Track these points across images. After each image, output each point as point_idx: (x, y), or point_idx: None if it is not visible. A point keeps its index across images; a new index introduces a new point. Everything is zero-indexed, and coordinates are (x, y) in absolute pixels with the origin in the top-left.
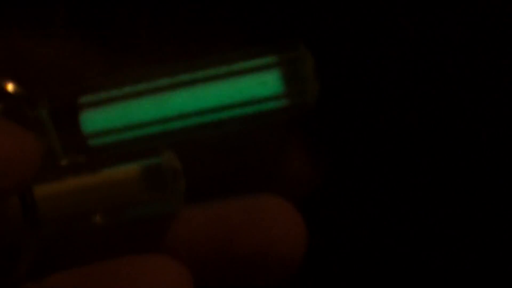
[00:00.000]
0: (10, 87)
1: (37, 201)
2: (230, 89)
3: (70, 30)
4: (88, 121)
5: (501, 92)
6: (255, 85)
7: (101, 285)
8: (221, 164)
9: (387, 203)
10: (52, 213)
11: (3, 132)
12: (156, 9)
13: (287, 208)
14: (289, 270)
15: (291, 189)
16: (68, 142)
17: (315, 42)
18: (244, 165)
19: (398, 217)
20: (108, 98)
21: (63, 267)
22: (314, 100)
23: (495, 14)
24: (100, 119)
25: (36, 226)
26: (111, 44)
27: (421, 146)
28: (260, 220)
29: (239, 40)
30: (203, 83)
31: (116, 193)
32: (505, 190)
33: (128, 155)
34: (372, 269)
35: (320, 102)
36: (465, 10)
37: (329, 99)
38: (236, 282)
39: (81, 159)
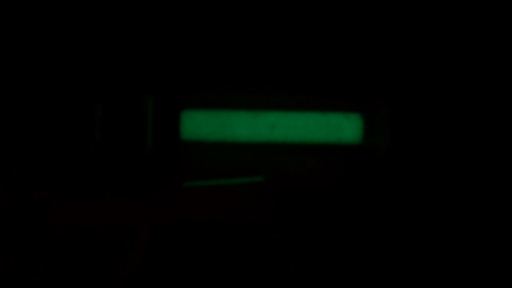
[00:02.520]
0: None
1: None
2: (319, 122)
3: None
4: (187, 118)
5: None
6: (340, 124)
7: None
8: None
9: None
10: None
11: None
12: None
13: None
14: None
15: None
16: (163, 135)
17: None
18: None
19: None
20: (211, 102)
21: None
22: (385, 148)
23: None
24: (198, 118)
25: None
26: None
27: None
28: None
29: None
30: (299, 112)
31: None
32: None
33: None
34: None
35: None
36: None
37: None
38: None
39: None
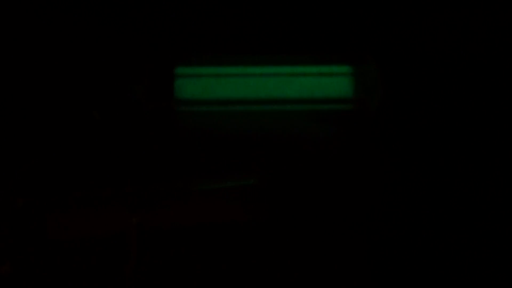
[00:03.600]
0: None
1: None
2: (307, 86)
3: None
4: (181, 88)
5: None
6: (329, 86)
7: None
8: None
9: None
10: None
11: None
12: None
13: None
14: None
15: None
16: (159, 104)
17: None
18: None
19: None
20: (204, 72)
21: None
22: (376, 107)
23: None
24: (192, 88)
25: None
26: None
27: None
28: None
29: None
30: (286, 77)
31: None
32: None
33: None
34: None
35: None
36: None
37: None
38: None
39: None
